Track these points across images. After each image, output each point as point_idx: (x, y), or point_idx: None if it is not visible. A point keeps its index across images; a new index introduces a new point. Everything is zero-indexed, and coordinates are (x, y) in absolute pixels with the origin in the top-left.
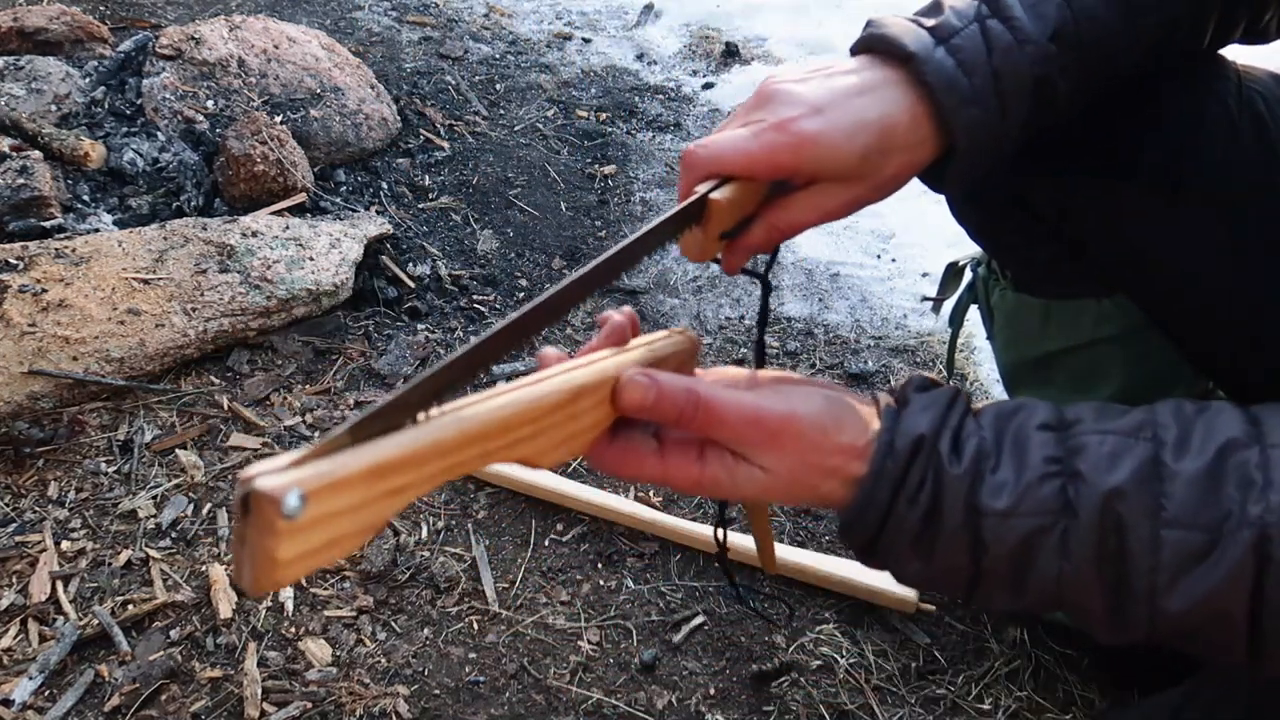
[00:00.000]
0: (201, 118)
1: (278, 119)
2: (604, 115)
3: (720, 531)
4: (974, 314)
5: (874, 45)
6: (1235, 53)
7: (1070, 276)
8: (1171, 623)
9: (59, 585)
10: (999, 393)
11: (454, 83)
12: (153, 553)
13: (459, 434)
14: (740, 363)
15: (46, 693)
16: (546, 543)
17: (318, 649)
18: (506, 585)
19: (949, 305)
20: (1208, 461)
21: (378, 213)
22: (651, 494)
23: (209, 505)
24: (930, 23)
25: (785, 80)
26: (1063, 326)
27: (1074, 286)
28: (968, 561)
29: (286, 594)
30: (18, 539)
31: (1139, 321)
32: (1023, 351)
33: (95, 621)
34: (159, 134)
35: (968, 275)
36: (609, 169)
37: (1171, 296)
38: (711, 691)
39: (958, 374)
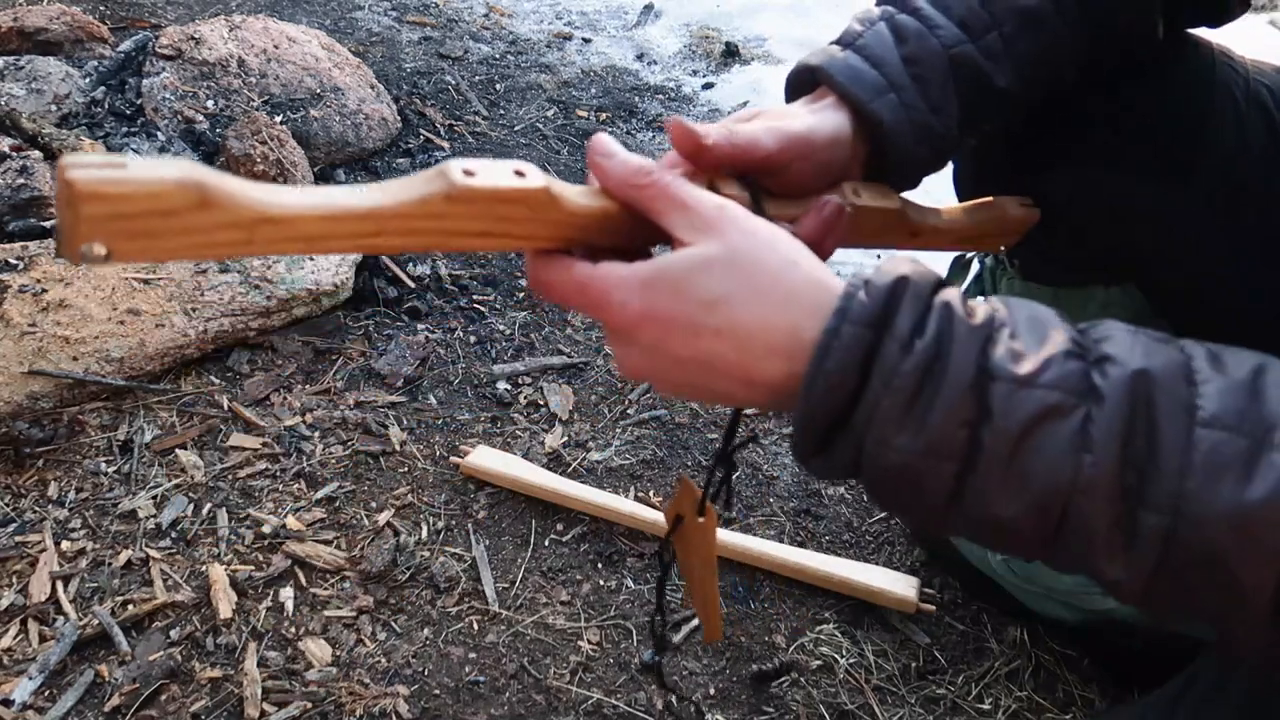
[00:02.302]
0: (201, 118)
1: (278, 119)
2: (604, 115)
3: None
4: None
5: (793, 80)
6: (1245, 47)
7: (1078, 264)
8: (1192, 545)
9: (59, 585)
10: None
11: (454, 83)
12: (153, 553)
13: (273, 204)
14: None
15: (46, 693)
16: (546, 543)
17: (318, 649)
18: (506, 585)
19: None
20: (1244, 376)
21: None
22: (652, 494)
23: (209, 505)
24: (836, 37)
25: None
26: (1070, 314)
27: (1082, 274)
28: (966, 438)
29: (287, 594)
30: (18, 539)
31: (1147, 310)
32: None
33: (95, 621)
34: (159, 134)
35: (975, 266)
36: None
37: (1176, 286)
38: (711, 691)
39: None
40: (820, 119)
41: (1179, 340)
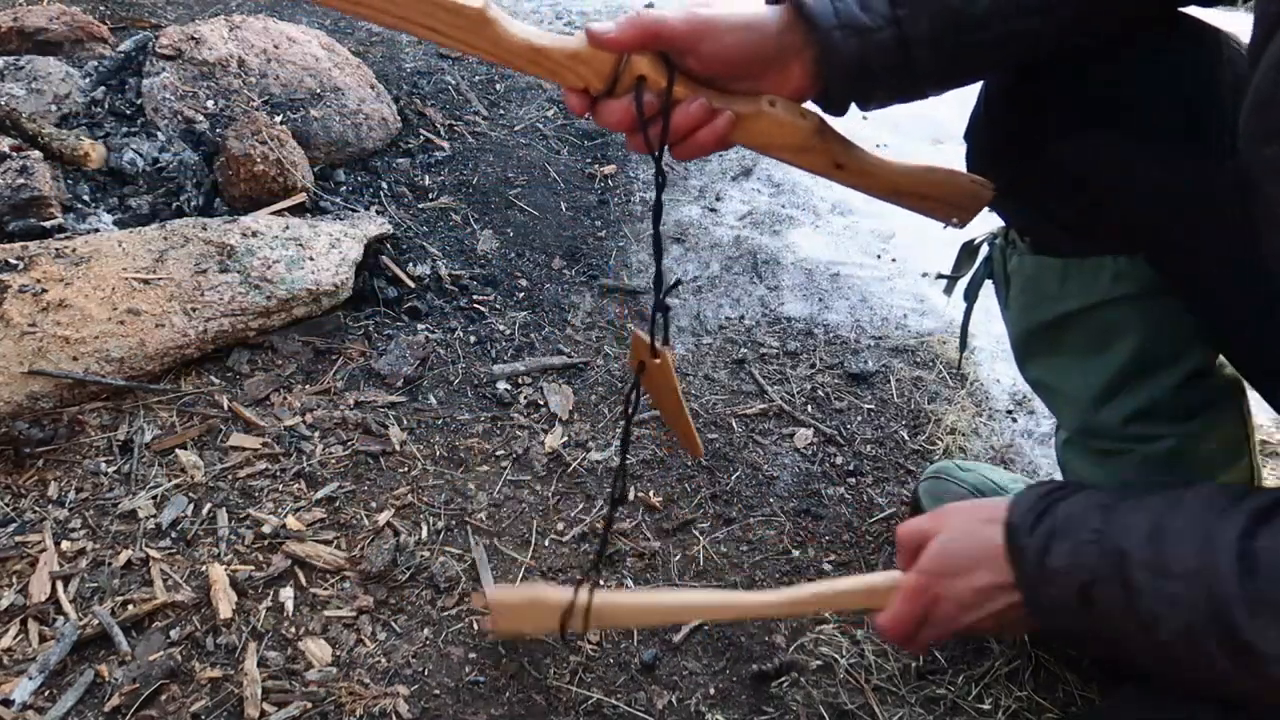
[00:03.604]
0: (201, 118)
1: (278, 119)
2: None
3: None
4: (980, 320)
5: None
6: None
7: (1091, 234)
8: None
9: (59, 585)
10: (998, 393)
11: (454, 83)
12: (153, 553)
13: None
14: (741, 363)
15: (46, 693)
16: (547, 543)
17: (318, 649)
18: (507, 585)
19: (962, 284)
20: None
21: (378, 213)
22: (652, 494)
23: (209, 505)
24: None
25: None
26: (1081, 285)
27: (1094, 245)
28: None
29: (287, 594)
30: (18, 539)
31: (1157, 282)
32: (1038, 315)
33: (95, 621)
34: (159, 134)
35: (983, 252)
36: (609, 169)
37: (1186, 258)
38: (711, 691)
39: (959, 374)
40: (744, 10)
41: None
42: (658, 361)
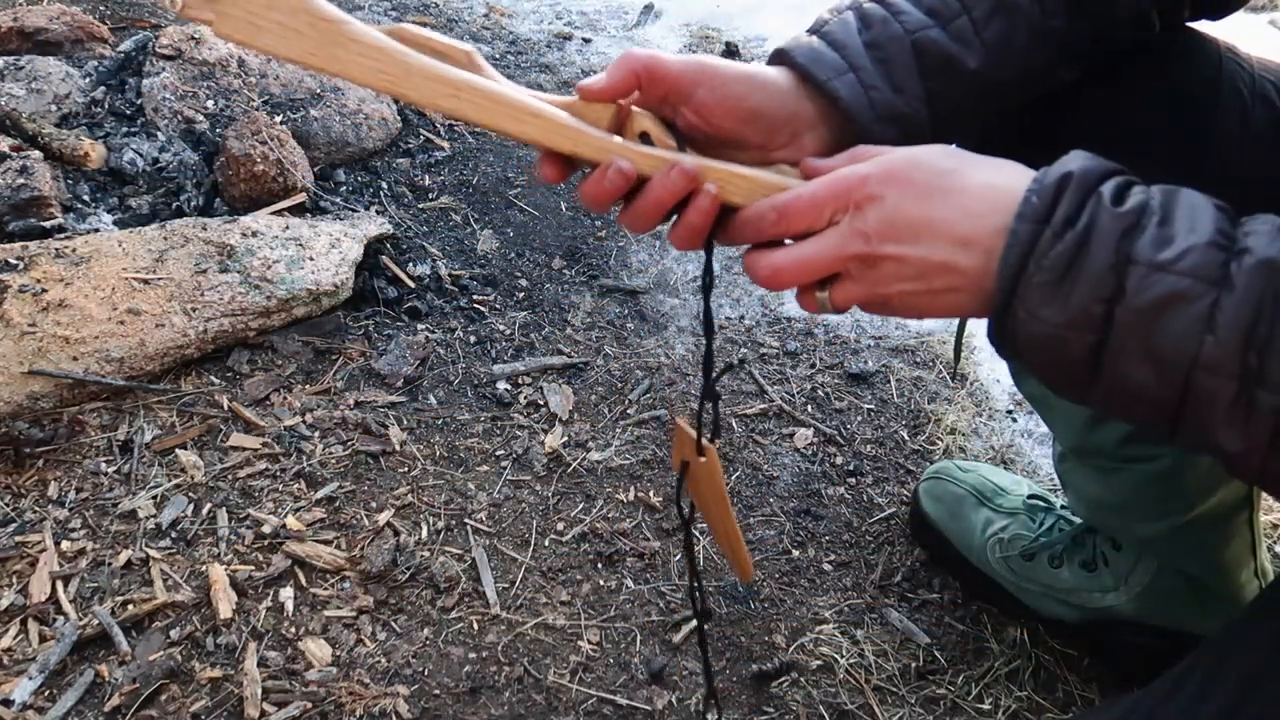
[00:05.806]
0: (201, 118)
1: (278, 119)
2: None
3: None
4: (979, 320)
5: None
6: (1248, 46)
7: None
8: None
9: (59, 585)
10: (998, 393)
11: None
12: (153, 553)
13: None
14: (741, 363)
15: (46, 693)
16: (546, 543)
17: (318, 649)
18: (506, 585)
19: None
20: None
21: (378, 213)
22: (652, 494)
23: (209, 505)
24: (808, 27)
25: None
26: None
27: None
28: (1102, 313)
29: (287, 594)
30: (18, 539)
31: None
32: None
33: (95, 621)
34: (159, 134)
35: None
36: None
37: None
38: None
39: (958, 376)
40: (748, 65)
41: None
42: (703, 460)
